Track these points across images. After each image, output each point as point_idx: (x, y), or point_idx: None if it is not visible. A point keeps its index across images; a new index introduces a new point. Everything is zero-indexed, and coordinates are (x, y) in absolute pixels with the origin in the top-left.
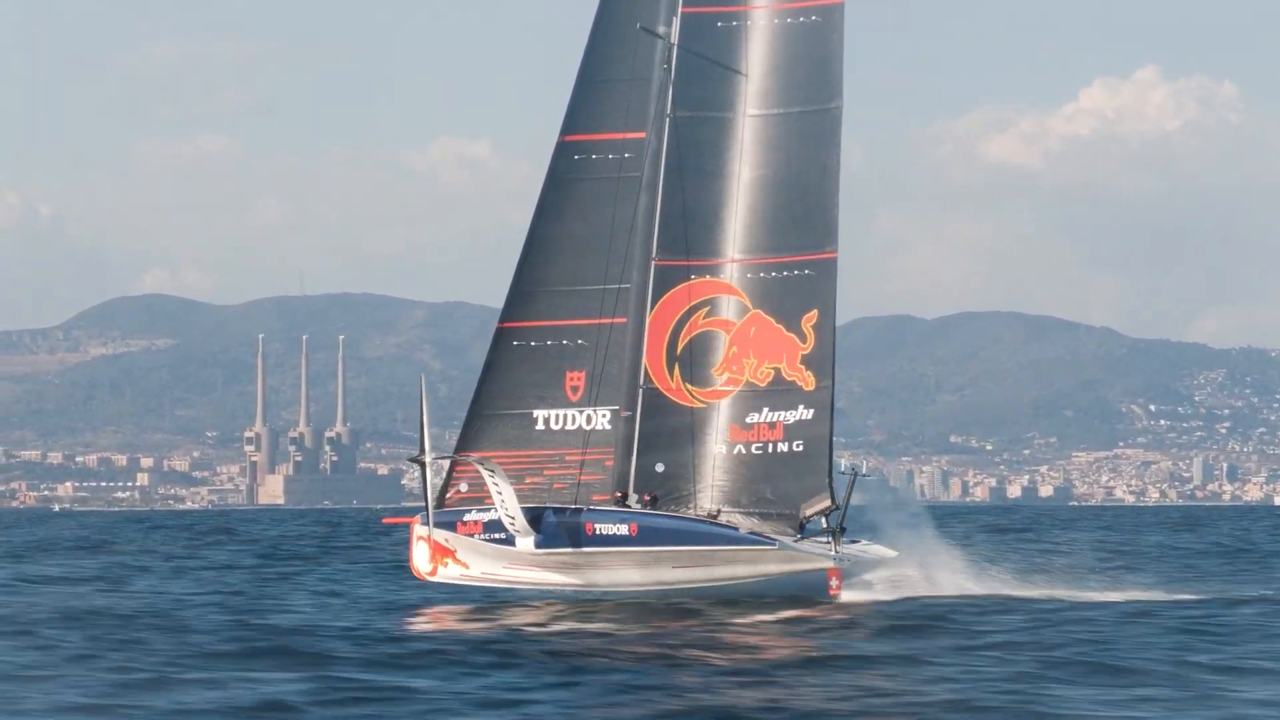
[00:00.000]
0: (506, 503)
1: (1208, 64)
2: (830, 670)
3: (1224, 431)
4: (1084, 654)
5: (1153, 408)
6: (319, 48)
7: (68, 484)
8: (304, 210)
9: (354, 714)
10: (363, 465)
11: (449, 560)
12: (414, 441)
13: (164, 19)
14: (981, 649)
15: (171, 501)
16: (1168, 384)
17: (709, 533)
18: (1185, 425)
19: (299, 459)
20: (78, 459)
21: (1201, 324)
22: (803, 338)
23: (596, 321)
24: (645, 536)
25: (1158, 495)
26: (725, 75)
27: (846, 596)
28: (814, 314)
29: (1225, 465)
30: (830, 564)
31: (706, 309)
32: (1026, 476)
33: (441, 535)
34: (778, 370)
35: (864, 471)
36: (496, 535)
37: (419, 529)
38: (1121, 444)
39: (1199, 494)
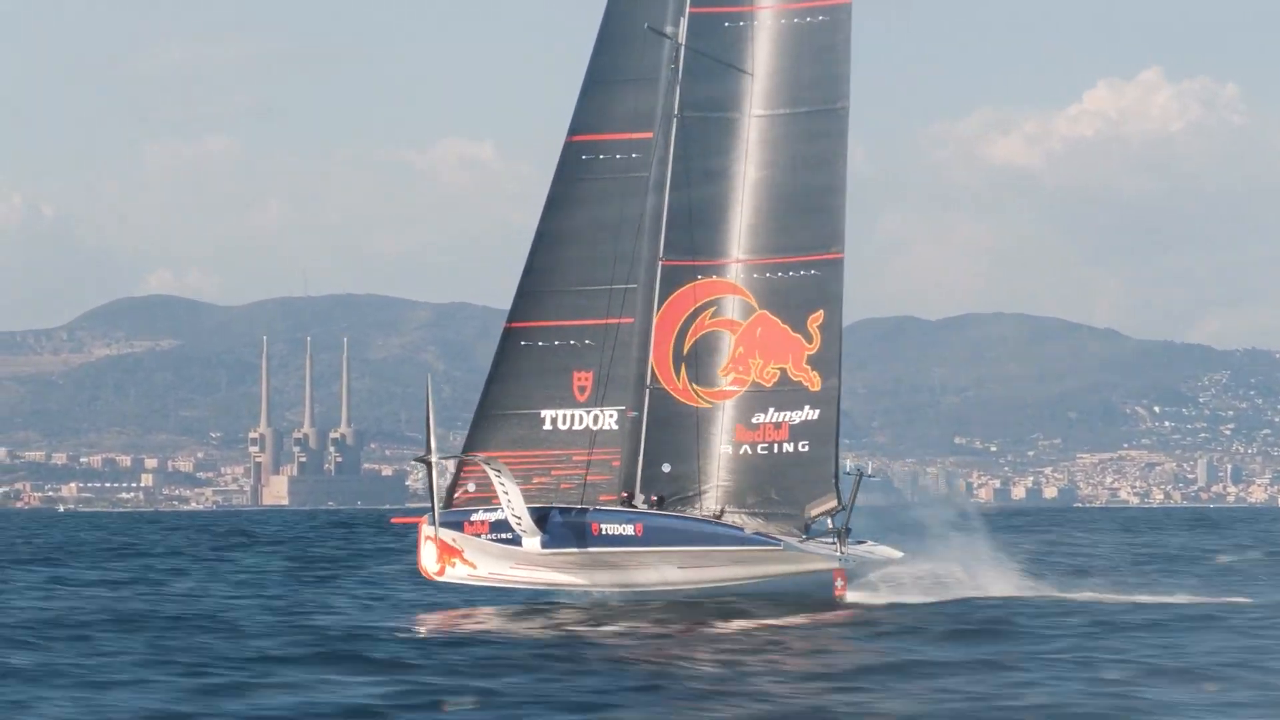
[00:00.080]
0: (513, 503)
1: (1211, 65)
2: (912, 675)
3: (1228, 433)
4: (1156, 657)
5: (1157, 409)
6: (322, 49)
7: (72, 485)
8: (308, 211)
9: (441, 718)
10: (367, 466)
11: (456, 560)
12: (418, 442)
13: (167, 20)
14: (1055, 653)
15: (176, 502)
16: (1172, 385)
17: (715, 533)
18: (1189, 427)
19: (303, 460)
20: (82, 460)
21: (1206, 325)
22: (809, 338)
23: (604, 322)
24: (651, 537)
25: (1162, 497)
26: (732, 75)
27: (853, 596)
28: (820, 314)
29: (1229, 467)
30: (836, 564)
31: (713, 309)
32: (1031, 478)
33: (449, 535)
34: (784, 370)
35: (869, 472)
36: (503, 535)
37: (427, 529)
38: (1126, 445)
39: (1203, 496)
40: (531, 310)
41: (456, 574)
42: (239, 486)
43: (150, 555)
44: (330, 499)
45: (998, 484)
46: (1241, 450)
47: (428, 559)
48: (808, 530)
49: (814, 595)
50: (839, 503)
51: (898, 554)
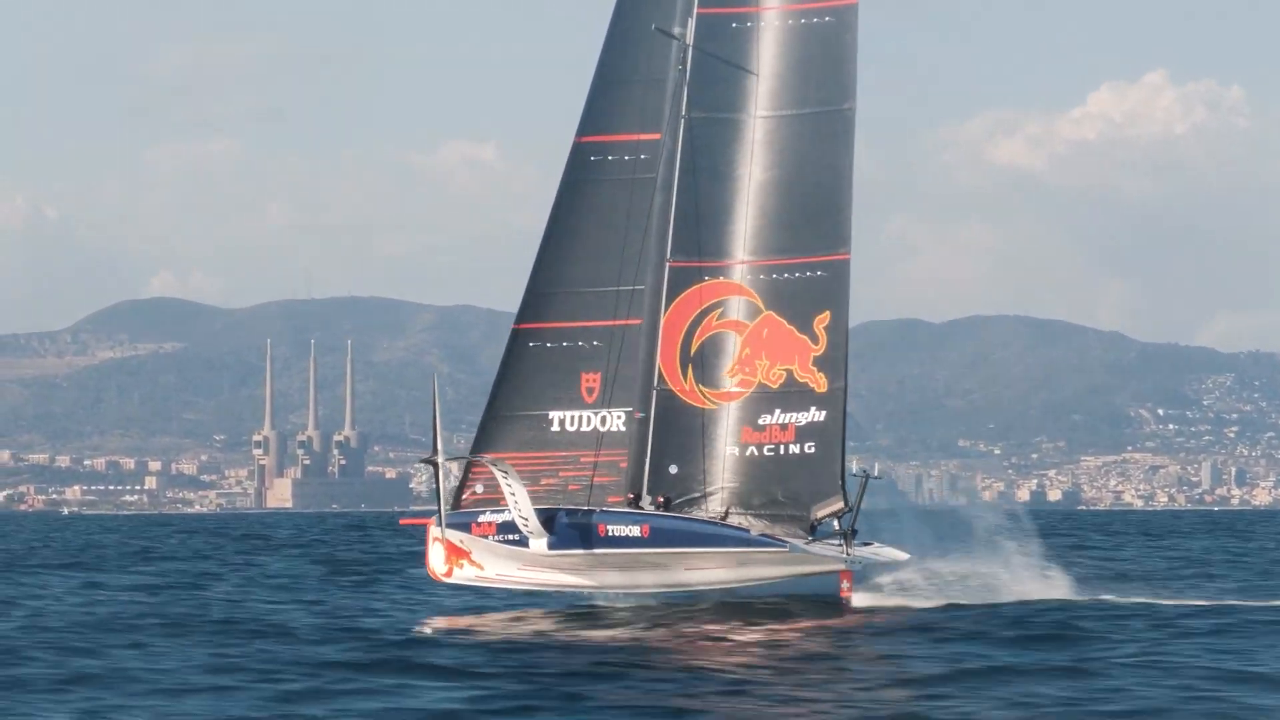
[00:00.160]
0: (520, 504)
1: (1216, 68)
2: (997, 681)
3: (1232, 436)
4: (1229, 661)
5: (1161, 412)
6: (326, 51)
7: (75, 487)
8: (311, 213)
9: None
10: (371, 469)
11: (464, 561)
12: (422, 445)
13: (171, 22)
14: (1128, 657)
15: (180, 505)
16: (1176, 388)
17: (721, 535)
18: (1194, 430)
19: (307, 463)
20: (85, 462)
21: (1210, 328)
22: (815, 339)
23: (611, 323)
24: (657, 538)
25: (1166, 500)
26: (740, 76)
27: (860, 600)
28: (826, 315)
29: (1234, 470)
30: (842, 566)
31: (719, 310)
32: (1035, 481)
33: (456, 536)
34: (790, 372)
35: (875, 474)
36: (510, 536)
37: (434, 530)
38: (1130, 448)
39: (1207, 498)
40: (540, 311)
41: (464, 575)
42: (243, 489)
43: (176, 559)
44: (334, 502)
45: (1001, 487)
46: (1246, 453)
47: (435, 560)
48: (813, 532)
49: (825, 596)
50: (845, 504)
51: (904, 556)
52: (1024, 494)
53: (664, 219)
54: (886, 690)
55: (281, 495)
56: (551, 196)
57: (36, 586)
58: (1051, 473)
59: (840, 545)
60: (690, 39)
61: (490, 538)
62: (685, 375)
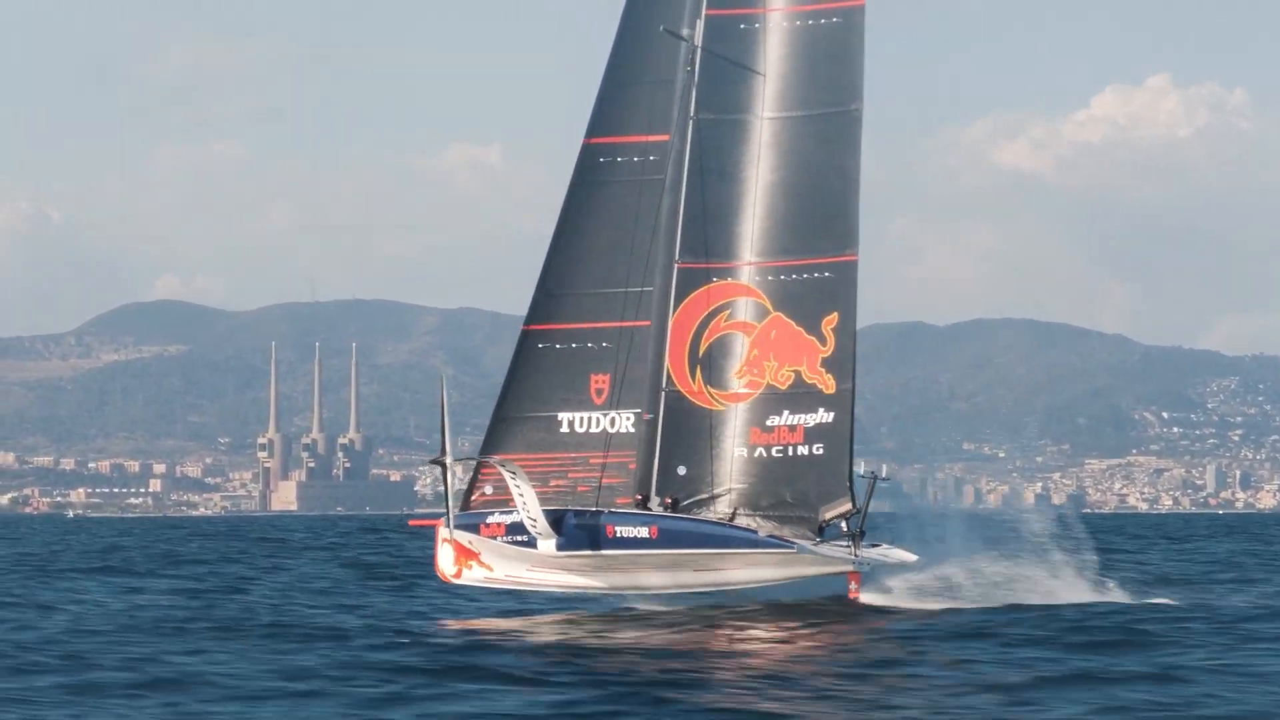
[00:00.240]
0: (528, 505)
1: (1219, 71)
2: (1079, 687)
3: (1237, 439)
4: None
5: (1165, 415)
6: (330, 53)
7: (80, 490)
8: (316, 216)
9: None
10: (375, 472)
11: (473, 563)
12: (427, 448)
13: (172, 23)
14: (1202, 661)
15: (184, 508)
16: (1180, 391)
17: (729, 536)
18: (1198, 433)
19: (312, 465)
20: (90, 465)
21: (1214, 331)
22: (823, 341)
23: (620, 324)
24: (665, 539)
25: (1171, 503)
26: (748, 77)
27: (866, 599)
28: (834, 317)
29: (1238, 473)
30: (850, 567)
31: (727, 312)
32: (1039, 484)
33: (465, 538)
34: (798, 373)
35: (884, 476)
36: (519, 538)
37: (443, 531)
38: (1134, 451)
39: (1212, 501)
40: (549, 313)
41: (473, 576)
42: (247, 492)
43: (203, 562)
44: (339, 505)
45: (1006, 489)
46: (1250, 456)
47: (444, 561)
48: (821, 533)
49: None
50: (853, 505)
51: (912, 557)
52: (1029, 497)
53: (672, 221)
54: (973, 696)
55: (286, 498)
56: (555, 198)
57: (74, 591)
58: (1056, 476)
59: (848, 546)
60: (698, 40)
61: (499, 539)
62: (694, 376)
